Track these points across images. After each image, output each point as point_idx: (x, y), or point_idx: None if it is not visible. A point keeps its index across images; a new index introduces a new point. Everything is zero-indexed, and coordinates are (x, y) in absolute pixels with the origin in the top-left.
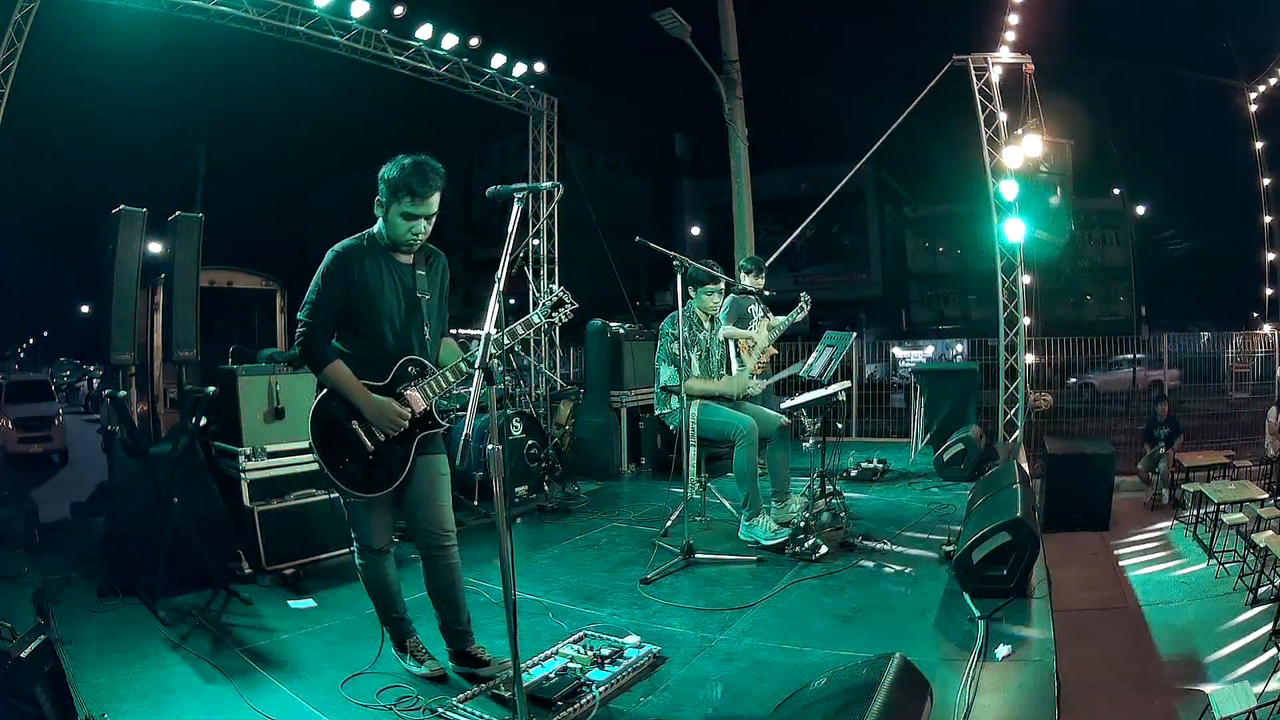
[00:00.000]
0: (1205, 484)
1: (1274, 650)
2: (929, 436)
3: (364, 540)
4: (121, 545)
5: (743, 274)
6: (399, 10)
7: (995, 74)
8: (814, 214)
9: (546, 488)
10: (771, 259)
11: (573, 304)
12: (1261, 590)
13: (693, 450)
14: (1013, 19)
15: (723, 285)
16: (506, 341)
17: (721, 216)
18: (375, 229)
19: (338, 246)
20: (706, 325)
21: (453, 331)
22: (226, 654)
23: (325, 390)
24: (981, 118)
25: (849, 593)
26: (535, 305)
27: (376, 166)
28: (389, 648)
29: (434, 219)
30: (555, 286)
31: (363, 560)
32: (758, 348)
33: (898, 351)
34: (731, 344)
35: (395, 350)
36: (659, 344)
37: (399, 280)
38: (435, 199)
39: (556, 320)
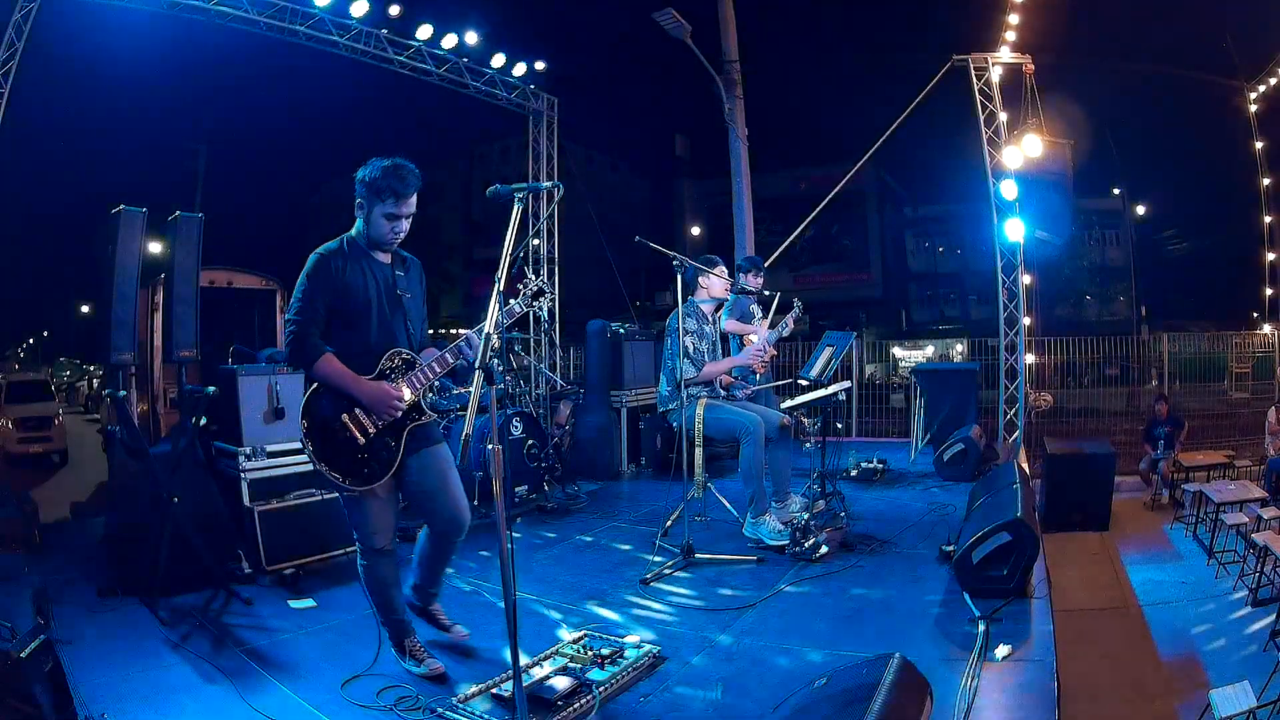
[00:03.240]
0: (1205, 484)
1: (1274, 650)
2: (929, 436)
3: (366, 541)
4: (121, 545)
5: (741, 274)
6: (399, 10)
7: (995, 74)
8: (814, 214)
9: (546, 488)
10: (772, 259)
11: (551, 294)
12: (1261, 590)
13: (695, 449)
14: (1013, 19)
15: (723, 269)
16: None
17: (721, 216)
18: (353, 232)
19: (319, 249)
20: (711, 319)
21: (453, 332)
22: (226, 654)
23: (315, 386)
24: (981, 118)
25: (849, 593)
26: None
27: None
28: (387, 648)
29: (411, 218)
30: (534, 277)
31: (365, 561)
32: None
33: (898, 351)
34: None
35: (380, 345)
36: (666, 341)
37: (379, 279)
38: (414, 199)
39: (537, 309)
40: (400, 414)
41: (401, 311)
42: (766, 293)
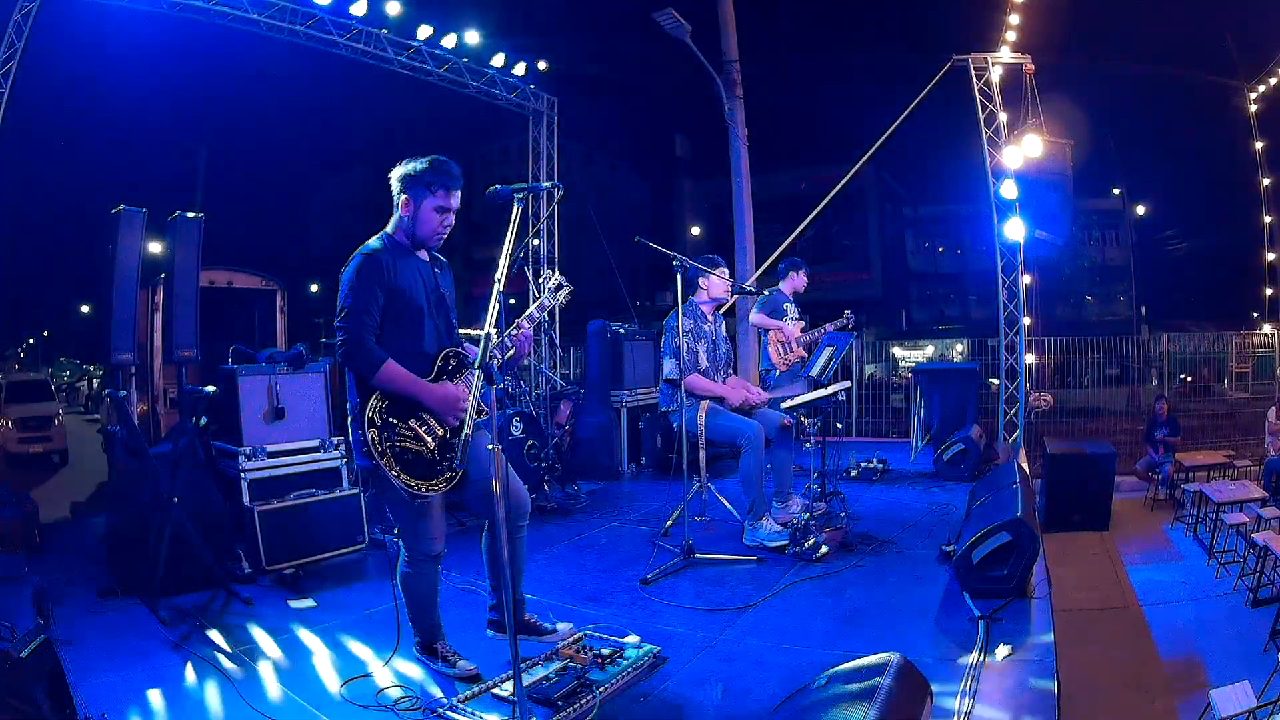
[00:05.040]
0: (1205, 484)
1: (1274, 650)
2: (929, 436)
3: (420, 547)
4: (121, 545)
5: (786, 275)
6: (399, 10)
7: (995, 74)
8: (814, 214)
9: (546, 488)
10: (772, 259)
11: (569, 288)
12: (1261, 590)
13: (697, 450)
14: (1013, 19)
15: (724, 270)
16: (526, 325)
17: (721, 216)
18: (389, 230)
19: (364, 249)
20: (711, 319)
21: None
22: (226, 654)
23: (375, 394)
24: (981, 118)
25: (849, 593)
26: (540, 293)
27: (376, 166)
28: (410, 651)
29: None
30: (551, 272)
31: (410, 569)
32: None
33: (898, 351)
34: (760, 333)
35: (433, 346)
36: (663, 339)
37: (423, 277)
38: (459, 195)
39: (558, 303)
40: (467, 411)
41: (444, 310)
42: (767, 293)
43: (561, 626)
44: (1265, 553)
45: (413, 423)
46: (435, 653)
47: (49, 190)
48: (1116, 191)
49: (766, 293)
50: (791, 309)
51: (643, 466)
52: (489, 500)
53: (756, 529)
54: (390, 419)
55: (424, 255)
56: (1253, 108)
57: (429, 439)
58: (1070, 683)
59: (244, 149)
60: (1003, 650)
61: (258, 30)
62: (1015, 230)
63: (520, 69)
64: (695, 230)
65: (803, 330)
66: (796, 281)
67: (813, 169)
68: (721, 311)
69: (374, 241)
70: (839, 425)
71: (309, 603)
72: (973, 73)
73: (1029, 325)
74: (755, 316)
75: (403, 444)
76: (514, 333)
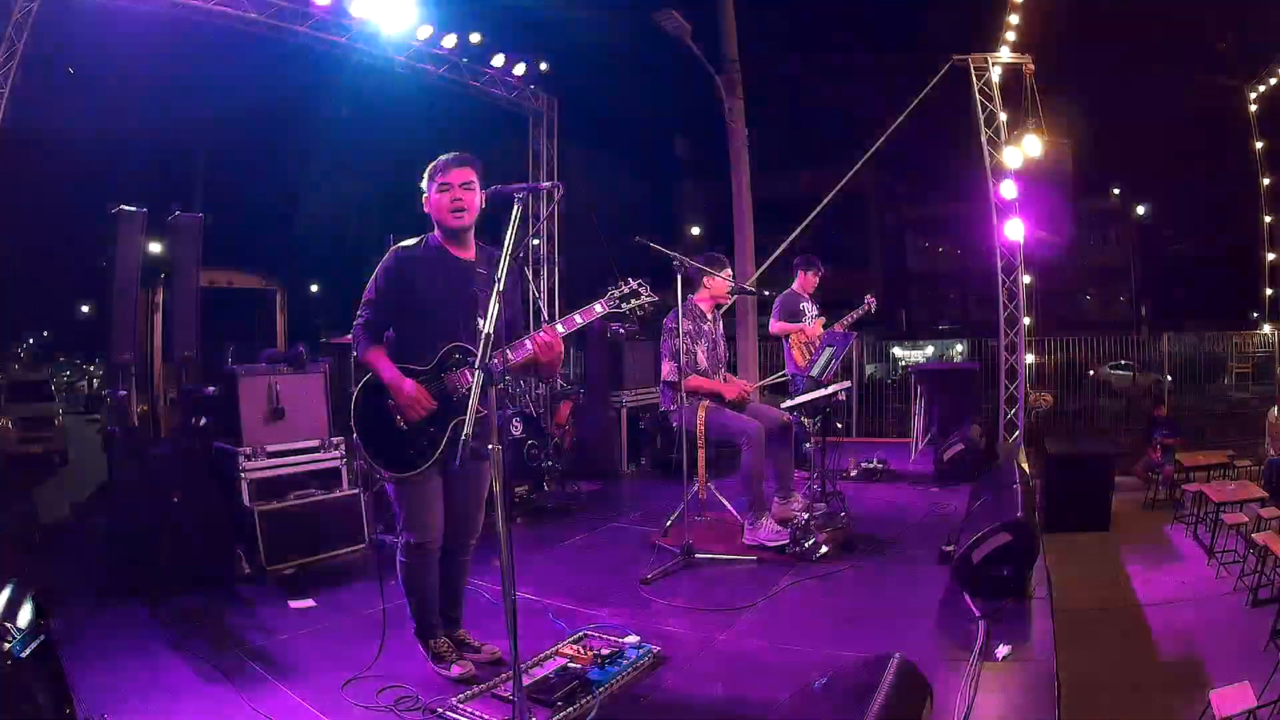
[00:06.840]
0: (1205, 484)
1: (1274, 650)
2: (929, 436)
3: (408, 533)
4: (121, 545)
5: (800, 272)
6: (399, 10)
7: (995, 74)
8: (814, 214)
9: (546, 488)
10: (772, 259)
11: (650, 298)
12: (1261, 590)
13: (695, 450)
14: (1013, 19)
15: (729, 271)
16: (561, 328)
17: (721, 216)
18: (434, 229)
19: (396, 245)
20: (710, 318)
21: None
22: (226, 654)
23: (367, 376)
24: (981, 118)
25: (849, 593)
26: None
27: (377, 167)
28: (410, 650)
29: (475, 193)
30: (632, 281)
31: (405, 558)
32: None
33: (898, 351)
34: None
35: (439, 341)
36: (662, 340)
37: (453, 275)
38: (466, 172)
39: (625, 312)
40: (422, 416)
41: (471, 310)
42: (767, 292)
43: (486, 648)
44: (1265, 553)
45: (390, 404)
46: (428, 649)
47: (49, 190)
48: (1116, 191)
49: (779, 298)
50: (809, 307)
51: (643, 466)
52: (457, 525)
53: (756, 528)
54: (371, 400)
55: (464, 253)
56: (1253, 108)
57: (400, 420)
58: (1070, 683)
59: (244, 149)
60: (1003, 650)
61: (258, 30)
62: (1015, 230)
63: (520, 69)
64: (695, 230)
65: (823, 327)
66: (805, 281)
67: (813, 169)
68: (721, 311)
69: (412, 239)
70: (839, 425)
71: (309, 603)
72: (972, 73)
73: (1029, 325)
74: (775, 326)
75: (380, 424)
76: (541, 335)
